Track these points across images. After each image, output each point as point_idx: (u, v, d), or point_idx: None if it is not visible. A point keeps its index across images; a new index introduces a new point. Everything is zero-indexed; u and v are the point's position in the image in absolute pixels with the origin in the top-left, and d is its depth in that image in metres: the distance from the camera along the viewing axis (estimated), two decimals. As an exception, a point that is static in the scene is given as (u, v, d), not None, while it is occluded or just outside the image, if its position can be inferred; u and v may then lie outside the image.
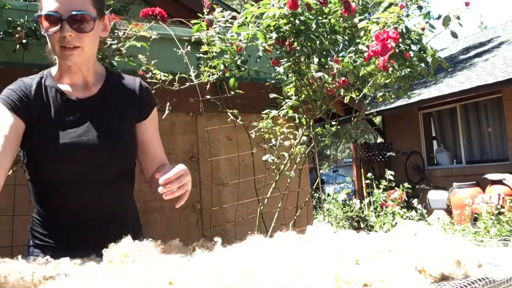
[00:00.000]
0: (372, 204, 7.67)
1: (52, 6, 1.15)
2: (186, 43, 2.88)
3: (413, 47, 2.56)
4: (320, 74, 2.43)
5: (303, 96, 2.78)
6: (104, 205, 1.27)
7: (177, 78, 2.72)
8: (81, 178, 1.22)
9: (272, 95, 2.95)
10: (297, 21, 2.39)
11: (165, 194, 1.07)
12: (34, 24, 2.67)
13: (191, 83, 2.75)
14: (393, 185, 7.40)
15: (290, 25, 2.43)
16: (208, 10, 2.65)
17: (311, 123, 2.96)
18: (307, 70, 2.54)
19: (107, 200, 1.27)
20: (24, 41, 2.61)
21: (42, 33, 1.19)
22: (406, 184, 7.04)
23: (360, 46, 2.52)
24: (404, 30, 2.39)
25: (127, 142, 1.30)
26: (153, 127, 1.37)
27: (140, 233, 1.34)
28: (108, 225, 1.26)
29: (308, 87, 2.72)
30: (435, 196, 8.17)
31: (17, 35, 2.57)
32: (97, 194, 1.25)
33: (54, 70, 1.30)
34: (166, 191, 1.06)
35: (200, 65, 2.86)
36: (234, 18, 2.64)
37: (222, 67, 2.71)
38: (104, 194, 1.26)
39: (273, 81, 3.01)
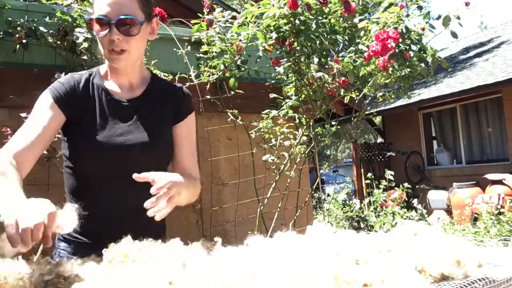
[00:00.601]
0: (372, 204, 7.67)
1: (103, 10, 1.21)
2: (186, 43, 2.88)
3: (413, 47, 2.56)
4: (320, 74, 2.43)
5: (303, 96, 2.78)
6: (136, 200, 1.23)
7: (177, 78, 2.72)
8: (117, 174, 1.25)
9: (272, 95, 2.95)
10: (297, 21, 2.39)
11: (153, 211, 1.04)
12: (34, 25, 2.67)
13: (191, 83, 2.75)
14: (393, 185, 7.40)
15: (290, 25, 2.43)
16: (208, 10, 2.65)
17: (311, 123, 2.96)
18: (307, 70, 2.54)
19: (140, 196, 1.25)
20: (24, 41, 2.61)
21: (94, 34, 1.25)
22: (406, 184, 7.04)
23: (360, 46, 2.52)
24: (404, 30, 2.39)
25: (165, 143, 1.35)
26: (186, 131, 1.40)
27: (163, 230, 1.41)
28: (138, 220, 1.22)
29: (308, 87, 2.72)
30: (435, 196, 8.17)
31: (17, 35, 2.57)
32: (130, 189, 1.24)
33: (102, 68, 1.36)
34: (151, 206, 1.04)
35: (200, 65, 2.86)
36: (234, 18, 2.64)
37: (222, 67, 2.71)
38: (138, 190, 1.23)
39: (273, 81, 3.01)
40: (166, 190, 1.06)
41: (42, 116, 1.22)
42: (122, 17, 1.20)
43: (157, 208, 1.04)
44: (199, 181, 1.39)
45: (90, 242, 1.25)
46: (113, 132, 1.26)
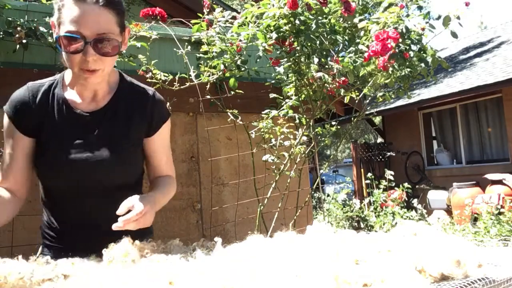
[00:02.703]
0: (372, 204, 7.66)
1: (75, 26, 1.07)
2: (186, 43, 2.88)
3: (413, 47, 2.56)
4: (320, 74, 2.43)
5: (303, 96, 2.78)
6: (110, 211, 1.21)
7: (177, 78, 2.72)
8: (83, 188, 1.22)
9: (272, 95, 2.95)
10: (297, 21, 2.39)
11: (120, 226, 1.04)
12: (34, 25, 2.67)
13: (191, 83, 2.75)
14: (393, 185, 7.40)
15: (290, 25, 2.43)
16: (208, 10, 2.65)
17: (311, 123, 2.95)
18: (307, 70, 2.54)
19: (113, 206, 1.22)
20: (24, 41, 2.61)
21: (60, 50, 1.12)
22: (406, 184, 7.04)
23: (360, 46, 2.51)
24: (404, 30, 2.39)
25: (130, 157, 1.26)
26: (161, 140, 1.32)
27: (148, 235, 1.29)
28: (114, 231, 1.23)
29: (308, 87, 2.72)
30: (435, 196, 8.17)
31: (17, 35, 2.57)
32: (101, 201, 1.23)
33: (67, 75, 1.26)
34: (119, 226, 1.03)
35: (200, 65, 2.86)
36: (234, 18, 2.64)
37: (222, 67, 2.71)
38: (109, 201, 1.20)
39: (273, 81, 3.00)
40: (135, 217, 1.04)
41: (8, 145, 1.20)
42: (99, 36, 1.08)
43: (120, 226, 1.03)
44: (174, 178, 1.37)
45: (65, 248, 1.17)
46: (73, 149, 1.19)
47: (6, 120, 1.21)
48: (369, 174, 8.06)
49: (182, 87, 2.69)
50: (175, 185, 1.35)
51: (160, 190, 1.25)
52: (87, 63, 1.10)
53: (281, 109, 2.83)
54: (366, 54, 2.38)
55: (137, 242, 0.96)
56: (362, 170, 9.74)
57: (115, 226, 1.03)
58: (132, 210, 1.05)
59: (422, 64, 2.59)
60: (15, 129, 1.19)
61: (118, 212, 1.04)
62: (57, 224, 1.28)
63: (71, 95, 1.23)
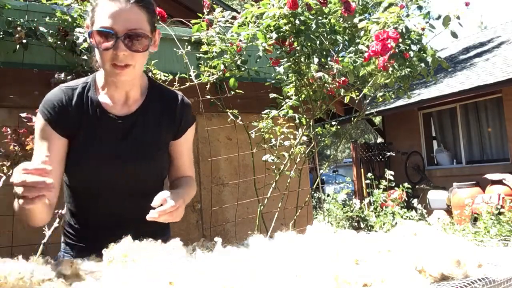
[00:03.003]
0: (372, 204, 7.66)
1: (107, 21, 1.11)
2: (186, 43, 2.88)
3: (413, 47, 2.56)
4: (320, 74, 2.43)
5: (303, 96, 2.78)
6: (133, 212, 1.26)
7: (177, 78, 2.72)
8: (111, 191, 1.24)
9: (272, 95, 2.95)
10: (297, 21, 2.39)
11: (155, 217, 1.08)
12: (34, 25, 2.67)
13: (191, 83, 2.75)
14: (393, 185, 7.40)
15: (290, 25, 2.43)
16: (208, 10, 2.65)
17: (311, 123, 2.95)
18: (307, 70, 2.54)
19: (137, 208, 1.26)
20: (24, 41, 2.61)
21: (92, 45, 1.15)
22: (406, 184, 7.04)
23: (360, 46, 2.52)
24: (404, 30, 2.39)
25: (160, 161, 1.30)
26: (186, 143, 1.37)
27: (166, 234, 1.36)
28: (138, 227, 1.22)
29: (308, 87, 2.72)
30: (435, 196, 8.17)
31: (17, 35, 2.57)
32: (126, 203, 1.27)
33: (99, 78, 1.27)
34: (154, 217, 1.07)
35: (200, 65, 2.86)
36: (234, 18, 2.64)
37: (222, 67, 2.71)
38: (134, 202, 1.26)
39: (273, 81, 3.01)
40: (170, 209, 1.08)
41: (43, 147, 1.18)
42: (129, 33, 1.11)
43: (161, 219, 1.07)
44: (194, 179, 1.41)
45: (89, 248, 1.18)
46: (105, 152, 1.22)
47: (40, 122, 1.21)
48: (369, 174, 8.06)
49: (182, 87, 2.69)
50: (195, 186, 1.39)
51: (185, 189, 1.27)
52: (118, 58, 1.12)
53: (281, 109, 2.83)
54: (366, 54, 2.38)
55: (137, 242, 0.96)
56: (362, 170, 9.74)
57: (149, 217, 1.06)
58: (166, 203, 1.08)
59: (422, 64, 2.59)
60: (52, 131, 1.19)
61: (153, 204, 1.07)
62: (80, 223, 1.30)
63: (104, 98, 1.25)
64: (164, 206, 1.07)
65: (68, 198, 1.31)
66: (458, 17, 2.45)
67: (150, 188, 1.27)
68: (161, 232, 1.27)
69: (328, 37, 2.48)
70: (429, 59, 2.60)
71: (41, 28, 2.69)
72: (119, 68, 1.14)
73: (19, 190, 0.90)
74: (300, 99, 2.79)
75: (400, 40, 2.33)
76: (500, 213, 5.41)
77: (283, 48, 2.52)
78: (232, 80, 2.78)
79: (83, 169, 1.21)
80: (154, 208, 1.07)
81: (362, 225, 6.97)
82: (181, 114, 1.32)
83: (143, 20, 1.14)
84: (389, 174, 7.44)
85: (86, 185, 1.24)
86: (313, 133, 3.07)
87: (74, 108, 1.22)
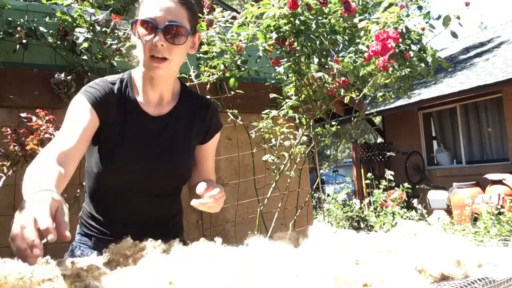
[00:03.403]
0: (372, 204, 7.67)
1: (151, 13, 1.15)
2: (186, 43, 2.87)
3: (413, 47, 2.56)
4: (320, 74, 2.43)
5: (303, 96, 2.78)
6: (154, 213, 1.30)
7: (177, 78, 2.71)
8: (137, 189, 1.25)
9: (272, 95, 2.95)
10: (297, 21, 2.39)
11: (204, 202, 1.11)
12: (34, 25, 2.67)
13: (191, 83, 2.75)
14: (393, 185, 7.40)
15: (290, 25, 2.43)
16: (208, 10, 2.65)
17: (311, 123, 2.95)
18: (307, 70, 2.54)
19: (158, 209, 1.32)
20: (24, 41, 2.61)
21: (135, 38, 1.19)
22: (406, 184, 7.04)
23: (360, 46, 2.51)
24: (404, 30, 2.39)
25: (188, 164, 1.33)
26: (211, 148, 1.40)
27: (181, 233, 1.41)
28: (154, 228, 1.28)
29: (308, 87, 2.72)
30: (435, 196, 8.17)
31: (17, 35, 2.57)
32: (148, 203, 1.29)
33: (136, 75, 1.29)
34: (206, 200, 1.11)
35: (200, 65, 2.86)
36: (234, 18, 2.64)
37: (222, 67, 2.71)
38: (156, 204, 1.30)
39: (273, 81, 3.01)
40: (214, 198, 1.11)
41: (82, 118, 1.16)
42: (170, 23, 1.15)
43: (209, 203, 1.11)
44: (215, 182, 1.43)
45: (110, 239, 1.16)
46: (139, 148, 1.24)
47: (81, 101, 1.19)
48: (369, 174, 8.06)
49: (182, 87, 2.68)
50: None
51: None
52: (156, 49, 1.15)
53: (281, 109, 2.83)
54: (366, 54, 2.38)
55: (137, 242, 0.96)
56: (362, 170, 9.75)
57: (195, 202, 1.11)
58: (212, 190, 1.12)
59: (422, 64, 2.59)
60: (93, 111, 1.18)
61: (198, 191, 1.12)
62: (101, 217, 1.31)
63: (140, 97, 1.28)
64: (211, 192, 1.11)
65: (91, 191, 1.31)
66: (458, 17, 2.45)
67: (172, 189, 1.33)
68: (175, 231, 1.32)
69: (328, 37, 2.48)
70: (429, 59, 2.60)
71: (41, 28, 2.69)
72: (156, 61, 1.16)
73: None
74: (300, 99, 2.80)
75: (400, 40, 2.33)
76: (500, 213, 5.41)
77: (283, 48, 2.52)
78: (232, 80, 2.78)
79: (115, 162, 1.22)
80: (195, 198, 1.11)
81: (362, 225, 6.97)
82: (210, 119, 1.36)
83: (183, 16, 1.18)
84: (389, 174, 7.44)
85: (114, 183, 1.25)
86: (313, 133, 3.07)
87: (114, 99, 1.24)
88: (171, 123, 1.29)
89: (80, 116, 1.17)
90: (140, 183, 1.25)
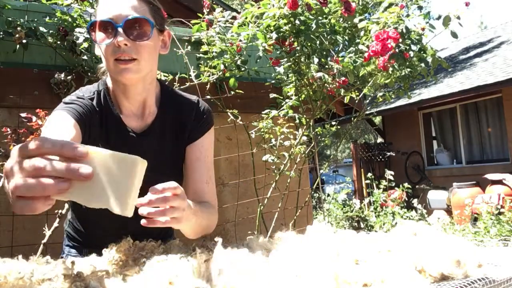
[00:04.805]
0: (372, 204, 7.67)
1: (107, 13, 1.04)
2: (186, 43, 2.88)
3: (413, 47, 2.56)
4: (320, 74, 2.43)
5: (303, 96, 2.79)
6: (137, 225, 1.20)
7: (177, 78, 2.72)
8: None
9: (272, 95, 2.95)
10: (297, 21, 2.39)
11: (146, 220, 0.88)
12: (34, 25, 2.67)
13: (191, 83, 2.75)
14: (393, 185, 7.40)
15: (290, 25, 2.43)
16: (208, 10, 2.65)
17: (311, 123, 2.96)
18: (307, 70, 2.54)
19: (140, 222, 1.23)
20: (24, 41, 2.61)
21: (96, 44, 1.06)
22: (406, 184, 7.04)
23: (360, 46, 2.52)
24: (404, 30, 2.39)
25: (177, 174, 1.20)
26: (198, 152, 1.21)
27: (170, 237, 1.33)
28: (146, 236, 1.19)
29: (308, 87, 2.72)
30: (435, 196, 8.17)
31: (17, 35, 2.57)
32: (138, 216, 1.20)
33: (110, 86, 1.16)
34: (145, 213, 0.87)
35: (200, 65, 2.86)
36: (234, 18, 2.64)
37: (222, 67, 2.71)
38: (140, 217, 1.20)
39: (273, 81, 3.01)
40: (164, 196, 0.87)
41: (67, 130, 1.00)
42: (130, 17, 1.03)
43: (148, 211, 0.87)
44: (216, 209, 1.23)
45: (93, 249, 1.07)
46: None
47: (60, 113, 1.05)
48: (369, 174, 8.06)
49: (182, 87, 2.69)
50: (214, 213, 1.23)
51: (199, 206, 1.09)
52: (120, 50, 1.03)
53: (281, 109, 2.83)
54: (366, 54, 2.38)
55: (137, 242, 0.96)
56: (362, 170, 9.75)
57: (142, 210, 0.87)
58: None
59: (422, 64, 2.59)
60: (75, 123, 1.04)
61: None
62: (87, 230, 1.26)
63: (119, 109, 1.15)
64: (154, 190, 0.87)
65: (75, 208, 1.27)
66: (458, 17, 2.45)
67: None
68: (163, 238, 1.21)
69: (328, 37, 2.48)
70: (429, 59, 2.60)
71: (41, 28, 2.69)
72: (122, 63, 1.04)
73: (19, 181, 0.59)
74: (300, 99, 2.80)
75: (400, 40, 2.33)
76: (500, 213, 5.41)
77: (283, 48, 2.52)
78: (232, 80, 2.78)
79: None
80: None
81: (362, 225, 6.97)
82: (197, 119, 1.21)
83: (145, 12, 1.07)
84: (389, 174, 7.44)
85: None
86: (313, 133, 3.07)
87: (97, 118, 1.12)
88: (156, 133, 1.17)
89: (65, 127, 1.01)
90: None
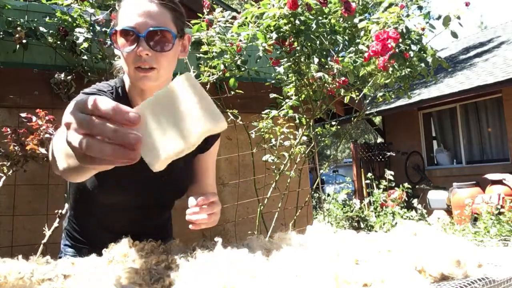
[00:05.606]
0: (372, 204, 7.67)
1: (130, 21, 1.04)
2: (186, 43, 2.88)
3: (413, 47, 2.56)
4: (320, 74, 2.43)
5: (303, 96, 2.79)
6: (145, 225, 1.26)
7: (177, 78, 2.71)
8: (131, 204, 1.21)
9: (272, 95, 2.95)
10: (297, 21, 2.39)
11: (193, 225, 1.09)
12: (34, 25, 2.67)
13: (191, 83, 2.74)
14: (393, 185, 7.40)
15: (290, 25, 2.43)
16: (208, 10, 2.65)
17: (311, 123, 2.96)
18: (307, 70, 2.54)
19: (150, 222, 1.28)
20: (24, 41, 2.61)
21: (116, 51, 1.08)
22: (406, 184, 7.04)
23: (360, 46, 2.52)
24: (404, 30, 2.39)
25: (185, 178, 1.27)
26: (211, 158, 1.32)
27: (168, 237, 1.37)
28: (145, 237, 1.21)
29: (308, 87, 2.72)
30: (435, 196, 8.17)
31: (17, 35, 2.57)
32: (141, 216, 1.25)
33: (127, 86, 1.18)
34: (192, 218, 1.07)
35: (200, 65, 2.86)
36: (234, 18, 2.64)
37: (222, 67, 2.71)
38: (149, 217, 1.26)
39: (273, 81, 3.01)
40: (209, 205, 1.07)
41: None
42: (152, 29, 1.02)
43: (196, 217, 1.07)
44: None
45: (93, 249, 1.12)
46: (138, 166, 1.12)
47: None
48: (369, 174, 8.06)
49: (182, 87, 2.69)
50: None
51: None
52: (141, 60, 1.04)
53: (281, 109, 2.83)
54: (366, 54, 2.38)
55: (137, 242, 0.96)
56: (362, 170, 9.75)
57: (190, 210, 1.09)
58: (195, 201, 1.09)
59: (422, 64, 2.59)
60: None
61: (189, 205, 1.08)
62: (87, 229, 1.27)
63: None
64: (195, 202, 1.08)
65: (80, 205, 1.27)
66: (458, 17, 2.45)
67: (170, 202, 1.30)
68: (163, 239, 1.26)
69: (328, 37, 2.48)
70: (429, 59, 2.60)
71: (41, 28, 2.69)
72: (142, 72, 1.05)
73: (84, 142, 0.56)
74: (300, 99, 2.80)
75: (400, 40, 2.33)
76: (500, 213, 5.41)
77: (283, 48, 2.52)
78: (232, 80, 2.78)
79: (109, 185, 1.14)
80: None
81: (362, 225, 6.97)
82: None
83: (167, 20, 1.07)
84: (389, 174, 7.44)
85: (109, 200, 1.19)
86: (313, 133, 3.07)
87: None
88: None
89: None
90: (137, 200, 1.20)
